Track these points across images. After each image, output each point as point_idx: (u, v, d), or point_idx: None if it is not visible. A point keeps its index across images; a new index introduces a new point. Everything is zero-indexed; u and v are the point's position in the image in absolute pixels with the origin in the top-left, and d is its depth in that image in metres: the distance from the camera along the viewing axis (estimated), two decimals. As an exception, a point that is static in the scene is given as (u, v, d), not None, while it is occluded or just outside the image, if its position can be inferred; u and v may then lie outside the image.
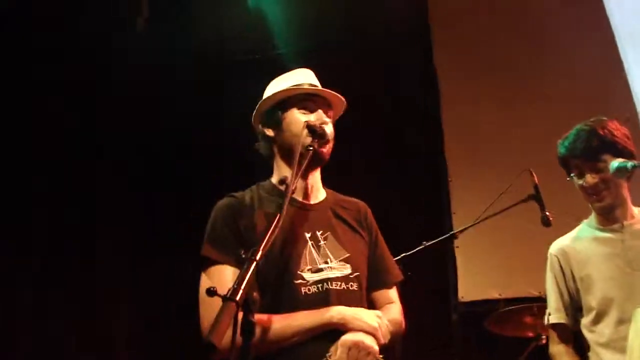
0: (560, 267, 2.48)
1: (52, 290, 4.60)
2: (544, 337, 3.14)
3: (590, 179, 2.38)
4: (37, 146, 4.67)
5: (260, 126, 2.15)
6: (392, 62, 5.15)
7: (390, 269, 2.19)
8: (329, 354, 1.76)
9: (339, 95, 2.14)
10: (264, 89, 2.23)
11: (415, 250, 3.28)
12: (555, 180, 4.13)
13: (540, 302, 3.24)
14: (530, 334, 3.21)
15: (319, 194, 2.14)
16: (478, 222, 3.33)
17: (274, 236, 1.40)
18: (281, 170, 2.08)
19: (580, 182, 2.41)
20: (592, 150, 2.36)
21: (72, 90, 4.90)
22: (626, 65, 4.69)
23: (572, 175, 2.46)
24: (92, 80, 5.01)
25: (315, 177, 2.12)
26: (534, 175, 3.27)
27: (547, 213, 3.15)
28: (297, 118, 2.05)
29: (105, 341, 4.84)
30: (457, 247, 4.54)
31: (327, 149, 2.04)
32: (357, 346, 1.75)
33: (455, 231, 3.41)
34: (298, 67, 2.25)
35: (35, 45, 4.67)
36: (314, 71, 2.24)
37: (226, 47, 5.48)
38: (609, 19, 4.82)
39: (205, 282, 1.89)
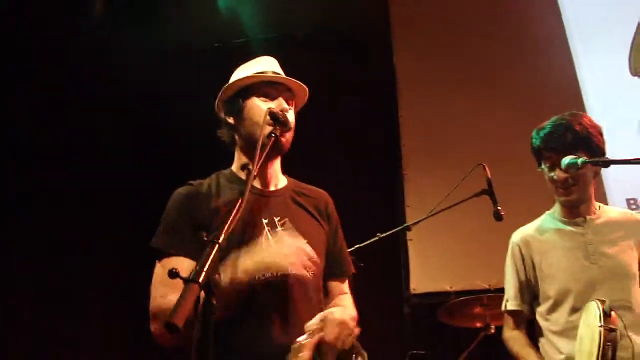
0: (522, 255, 2.53)
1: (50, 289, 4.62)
2: (492, 327, 3.22)
3: (561, 173, 2.41)
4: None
5: (222, 114, 2.14)
6: (354, 56, 5.21)
7: (346, 261, 2.21)
8: (310, 329, 1.74)
9: (301, 83, 2.13)
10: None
11: (368, 242, 3.32)
12: (509, 174, 4.33)
13: (489, 294, 3.34)
14: (479, 324, 3.28)
15: (279, 181, 2.13)
16: (430, 215, 3.38)
17: (235, 220, 1.39)
18: (242, 158, 2.07)
19: (551, 174, 2.45)
20: (566, 145, 2.38)
21: (69, 90, 4.93)
22: (575, 59, 4.86)
23: (542, 166, 2.50)
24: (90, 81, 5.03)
25: (275, 165, 2.12)
26: (487, 169, 3.32)
27: (499, 208, 3.19)
28: (258, 105, 2.03)
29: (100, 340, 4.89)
30: (410, 239, 4.61)
31: (287, 138, 2.03)
32: (343, 324, 1.76)
33: (407, 224, 3.45)
34: (264, 55, 2.25)
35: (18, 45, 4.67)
36: (279, 60, 2.24)
37: (195, 36, 5.45)
38: (561, 14, 4.98)
39: (157, 271, 1.88)
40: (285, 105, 2.04)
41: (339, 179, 4.82)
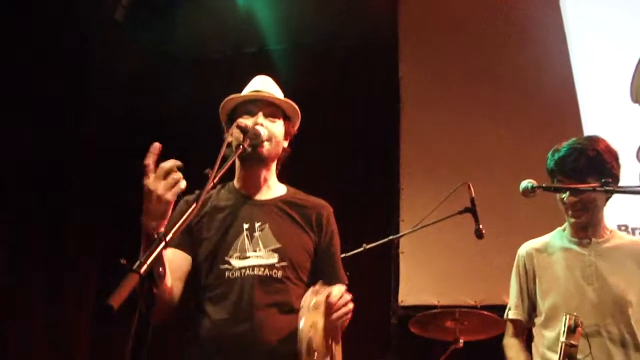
0: (525, 267, 2.62)
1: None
2: (461, 341, 3.33)
3: (571, 197, 2.46)
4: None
5: (225, 133, 2.35)
6: (358, 70, 5.36)
7: (336, 270, 2.31)
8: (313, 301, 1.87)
9: (279, 98, 2.32)
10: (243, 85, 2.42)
11: (355, 252, 3.44)
12: (507, 192, 4.41)
13: (461, 309, 3.45)
14: (450, 338, 3.38)
15: (271, 190, 2.31)
16: (412, 231, 3.51)
17: (186, 222, 1.56)
18: (238, 170, 2.30)
19: (562, 197, 2.51)
20: (577, 171, 2.43)
21: (67, 90, 5.10)
22: (576, 79, 4.94)
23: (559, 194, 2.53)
24: (85, 81, 5.22)
25: (265, 174, 2.29)
26: (472, 188, 3.42)
27: (481, 226, 3.28)
28: (241, 122, 2.22)
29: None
30: (402, 252, 4.76)
31: (265, 148, 2.20)
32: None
33: (392, 237, 3.58)
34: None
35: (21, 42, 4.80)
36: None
37: (207, 44, 5.64)
38: (565, 34, 5.07)
39: None
40: (260, 119, 2.22)
41: (338, 190, 4.97)
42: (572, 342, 2.14)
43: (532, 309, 2.61)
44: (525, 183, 2.38)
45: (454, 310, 3.32)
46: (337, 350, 1.97)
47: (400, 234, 3.73)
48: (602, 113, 4.84)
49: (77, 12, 5.05)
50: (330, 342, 1.91)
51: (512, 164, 4.68)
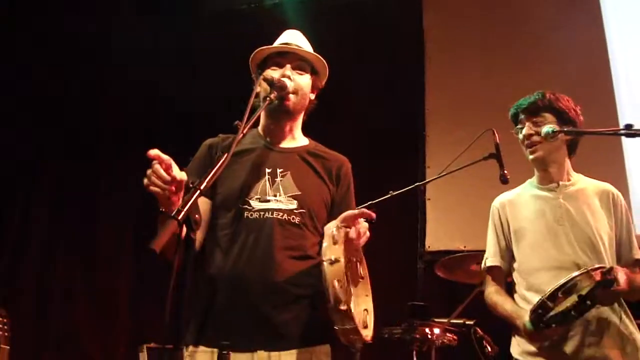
0: (500, 218, 2.77)
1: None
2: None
3: (527, 129, 2.65)
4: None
5: (254, 83, 2.41)
6: (384, 21, 5.33)
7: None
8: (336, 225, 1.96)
9: (308, 51, 2.38)
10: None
11: (381, 199, 3.50)
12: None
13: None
14: (476, 281, 3.46)
15: (295, 140, 2.41)
16: (440, 176, 3.54)
17: (220, 171, 1.65)
18: (264, 119, 2.38)
19: (521, 135, 2.70)
20: (535, 106, 2.67)
21: (70, 70, 5.28)
22: (610, 46, 4.87)
23: (518, 132, 2.74)
24: (91, 49, 5.32)
25: (290, 125, 2.39)
26: (496, 134, 3.44)
27: (505, 172, 3.31)
28: (268, 74, 2.31)
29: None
30: (429, 199, 4.84)
31: (291, 101, 2.29)
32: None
33: (418, 183, 3.61)
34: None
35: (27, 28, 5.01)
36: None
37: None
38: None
39: None
40: (288, 72, 2.29)
41: (364, 139, 5.02)
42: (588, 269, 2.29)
43: (510, 256, 2.71)
44: (547, 128, 2.46)
45: (478, 254, 3.37)
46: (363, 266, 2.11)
47: (426, 180, 3.78)
48: (633, 68, 4.78)
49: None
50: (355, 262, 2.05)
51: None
